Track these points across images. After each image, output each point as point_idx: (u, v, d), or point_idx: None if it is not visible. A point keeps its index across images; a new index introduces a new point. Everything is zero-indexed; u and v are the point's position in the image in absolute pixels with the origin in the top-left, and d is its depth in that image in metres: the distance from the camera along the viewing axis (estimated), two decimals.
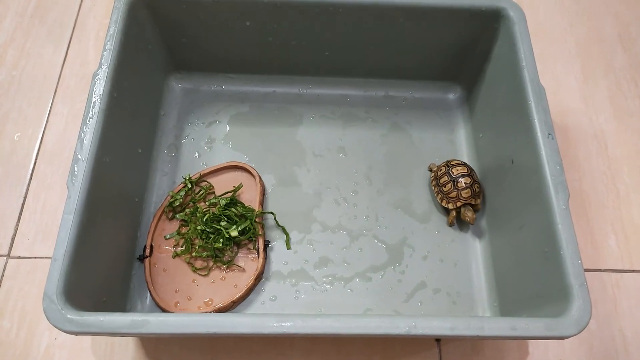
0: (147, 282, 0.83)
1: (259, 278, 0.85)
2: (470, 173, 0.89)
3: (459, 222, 0.91)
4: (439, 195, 0.90)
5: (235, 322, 0.63)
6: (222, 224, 0.85)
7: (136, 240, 0.86)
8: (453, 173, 0.88)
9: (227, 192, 0.90)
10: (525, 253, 0.78)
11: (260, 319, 0.63)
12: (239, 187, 0.90)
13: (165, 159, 0.94)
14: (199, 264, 0.86)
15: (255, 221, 0.87)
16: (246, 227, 0.86)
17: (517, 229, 0.81)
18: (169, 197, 0.89)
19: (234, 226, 0.85)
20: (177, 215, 0.88)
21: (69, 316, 0.62)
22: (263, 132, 0.95)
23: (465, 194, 0.87)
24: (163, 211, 0.88)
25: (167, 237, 0.87)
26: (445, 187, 0.88)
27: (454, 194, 0.87)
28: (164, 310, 0.81)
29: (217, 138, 0.96)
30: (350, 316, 0.64)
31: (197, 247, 0.85)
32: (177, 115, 0.97)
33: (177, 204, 0.88)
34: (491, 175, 0.91)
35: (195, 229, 0.86)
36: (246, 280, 0.84)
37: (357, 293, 0.85)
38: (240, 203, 0.89)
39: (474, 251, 0.89)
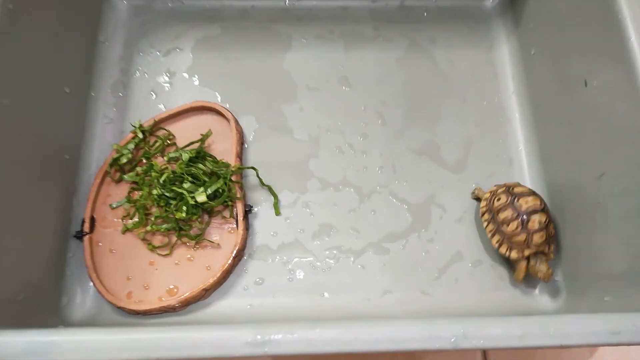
0: (88, 268, 0.62)
1: (239, 256, 0.63)
2: (544, 208, 0.61)
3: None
4: (497, 237, 0.63)
5: (190, 339, 0.41)
6: (186, 185, 0.63)
7: (71, 211, 0.64)
8: (521, 207, 0.61)
9: (192, 143, 0.67)
10: (609, 211, 0.56)
11: (230, 334, 0.42)
12: (207, 136, 0.67)
13: (109, 102, 0.71)
14: (157, 240, 0.64)
15: (231, 180, 0.64)
16: (219, 188, 0.63)
17: (595, 177, 0.58)
18: (114, 152, 0.66)
19: (202, 188, 0.62)
20: (125, 177, 0.65)
21: None
22: (240, 61, 0.73)
23: (538, 238, 0.60)
24: (106, 171, 0.66)
25: (114, 205, 0.65)
26: (507, 225, 0.61)
27: (521, 237, 0.60)
28: (112, 304, 0.60)
29: (178, 71, 0.72)
30: (368, 323, 0.43)
31: (154, 218, 0.63)
32: (123, 42, 0.73)
33: (124, 160, 0.65)
34: (551, 105, 0.67)
35: (151, 193, 0.63)
36: (222, 259, 0.62)
37: (371, 270, 0.64)
38: (211, 157, 0.66)
39: None
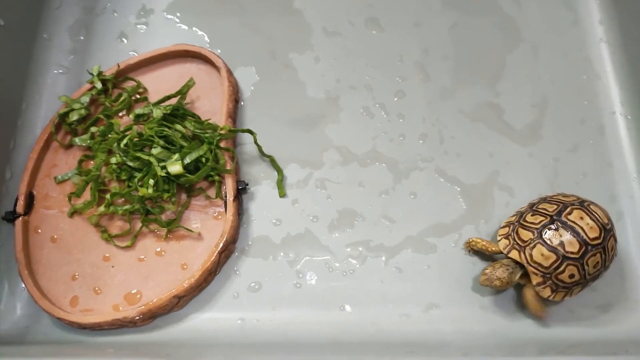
0: (19, 262, 0.45)
1: (227, 251, 0.46)
2: (593, 246, 0.41)
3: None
4: (507, 229, 0.45)
5: None
6: (155, 151, 0.45)
7: (1, 185, 0.48)
8: (568, 214, 0.42)
9: (167, 97, 0.50)
10: None
11: None
12: (188, 86, 0.50)
13: (66, 47, 0.55)
14: (116, 227, 0.47)
15: (219, 147, 0.47)
16: (202, 157, 0.46)
17: None
18: (62, 107, 0.49)
19: (177, 155, 0.45)
20: (76, 140, 0.48)
21: None
22: None
23: (540, 257, 0.42)
24: (52, 133, 0.49)
25: (59, 179, 0.48)
26: (532, 215, 0.44)
27: (525, 234, 0.43)
28: (49, 314, 0.43)
29: (156, 9, 0.56)
30: None
31: (110, 196, 0.45)
32: None
33: (75, 117, 0.49)
34: None
35: (108, 162, 0.46)
36: (204, 255, 0.45)
37: (411, 275, 0.47)
38: (193, 116, 0.49)
39: (626, 193, 0.48)
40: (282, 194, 0.49)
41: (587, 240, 0.41)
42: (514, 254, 0.43)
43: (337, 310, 0.45)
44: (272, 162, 0.50)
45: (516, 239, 0.43)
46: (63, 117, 0.48)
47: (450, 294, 0.46)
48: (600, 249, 0.42)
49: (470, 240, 0.46)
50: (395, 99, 0.53)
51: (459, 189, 0.49)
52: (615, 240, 0.43)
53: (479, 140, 0.51)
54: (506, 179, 0.50)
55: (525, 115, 0.52)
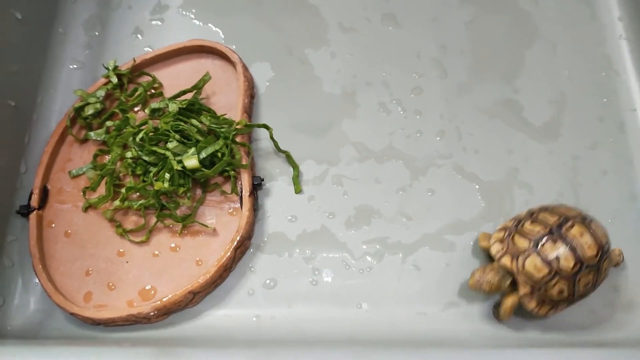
0: (33, 257, 0.44)
1: (242, 247, 0.45)
2: (586, 265, 0.40)
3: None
4: (502, 233, 0.43)
5: None
6: (171, 145, 0.45)
7: (16, 179, 0.47)
8: (567, 231, 0.41)
9: (183, 92, 0.49)
10: None
11: None
12: (204, 80, 0.49)
13: (81, 41, 0.55)
14: (131, 222, 0.46)
15: (234, 142, 0.46)
16: (217, 151, 0.46)
17: None
18: (78, 101, 0.49)
19: (193, 149, 0.45)
20: (92, 134, 0.48)
21: None
22: None
23: (532, 268, 0.40)
24: (67, 127, 0.48)
25: (74, 173, 0.48)
26: (530, 223, 0.42)
27: (521, 243, 0.41)
28: (63, 310, 0.43)
29: (171, 4, 0.55)
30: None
31: (125, 191, 0.45)
32: None
33: (90, 111, 0.48)
34: None
35: (123, 157, 0.46)
36: (219, 250, 0.45)
37: (429, 273, 0.46)
38: (209, 111, 0.48)
39: None
40: (298, 190, 0.49)
41: (583, 258, 0.40)
42: (506, 261, 0.41)
43: (353, 308, 0.45)
44: (288, 158, 0.49)
45: (510, 245, 0.42)
46: (78, 111, 0.48)
47: (469, 293, 0.45)
48: (594, 269, 0.40)
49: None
50: (412, 95, 0.52)
51: (477, 186, 0.49)
52: (610, 262, 0.42)
53: (498, 137, 0.51)
54: (525, 176, 0.49)
55: (544, 112, 0.51)
